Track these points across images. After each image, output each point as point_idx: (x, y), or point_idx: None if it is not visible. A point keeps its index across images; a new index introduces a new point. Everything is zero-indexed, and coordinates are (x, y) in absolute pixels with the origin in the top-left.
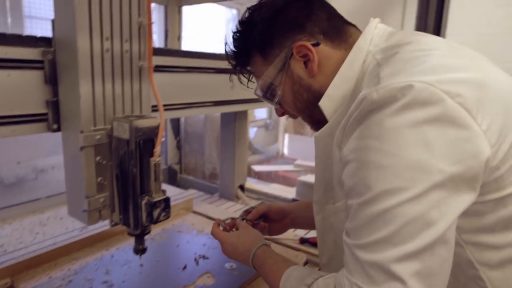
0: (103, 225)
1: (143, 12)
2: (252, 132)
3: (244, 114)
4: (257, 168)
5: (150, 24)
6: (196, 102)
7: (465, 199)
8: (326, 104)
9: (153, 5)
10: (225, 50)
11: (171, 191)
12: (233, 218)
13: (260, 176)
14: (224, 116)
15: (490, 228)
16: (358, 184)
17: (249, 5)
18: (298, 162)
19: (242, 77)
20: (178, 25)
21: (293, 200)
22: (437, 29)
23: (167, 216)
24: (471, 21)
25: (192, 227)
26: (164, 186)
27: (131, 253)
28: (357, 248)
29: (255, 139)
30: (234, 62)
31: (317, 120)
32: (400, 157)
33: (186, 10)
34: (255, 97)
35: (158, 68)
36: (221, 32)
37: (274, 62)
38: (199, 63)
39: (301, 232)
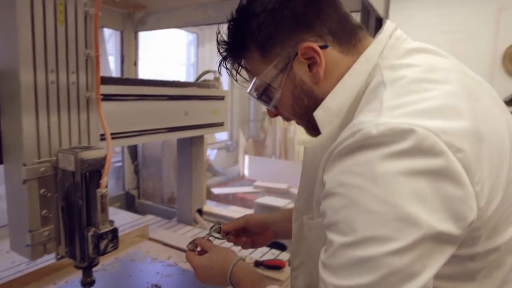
0: (51, 258)
1: (90, 44)
2: (212, 154)
3: (200, 138)
4: (216, 190)
5: (97, 56)
6: (149, 129)
7: (446, 254)
8: (321, 115)
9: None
10: (217, 39)
11: (127, 217)
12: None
13: (219, 198)
14: (180, 141)
15: (454, 277)
16: (343, 222)
17: (208, 30)
18: (257, 183)
19: (233, 70)
20: (134, 50)
21: None
22: None
23: (115, 247)
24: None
25: (147, 254)
26: (121, 212)
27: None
28: None
29: (216, 161)
30: (225, 54)
31: (314, 127)
32: (392, 206)
33: (148, 33)
34: (211, 121)
35: (109, 97)
36: (183, 54)
37: (274, 62)
38: (152, 90)
39: (256, 255)
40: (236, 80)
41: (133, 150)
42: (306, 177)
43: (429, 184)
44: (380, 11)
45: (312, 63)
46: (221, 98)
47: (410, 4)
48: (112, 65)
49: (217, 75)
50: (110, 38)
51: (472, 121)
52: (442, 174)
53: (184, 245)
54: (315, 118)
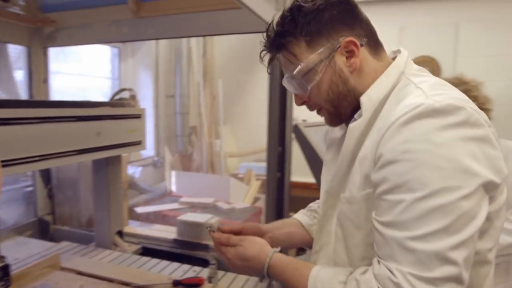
0: None
1: None
2: (138, 171)
3: (117, 158)
4: (139, 209)
5: None
6: (58, 152)
7: (488, 200)
8: (366, 101)
9: (16, 47)
10: (267, 31)
11: (39, 246)
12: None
13: (143, 217)
14: (95, 162)
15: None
16: (412, 181)
17: (130, 45)
18: (183, 199)
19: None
20: (44, 67)
21: (174, 240)
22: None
23: (6, 285)
24: None
25: (56, 286)
26: (32, 241)
27: None
28: (410, 239)
29: (142, 178)
30: (272, 43)
31: (338, 113)
32: (456, 162)
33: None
34: (128, 140)
35: (8, 121)
36: (107, 68)
37: (319, 50)
38: (58, 112)
39: (177, 274)
40: (268, 71)
41: (45, 174)
42: (345, 156)
43: (478, 147)
44: None
45: (349, 56)
46: (138, 116)
47: None
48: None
49: (133, 93)
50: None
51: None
52: (484, 140)
53: (99, 272)
54: (361, 102)
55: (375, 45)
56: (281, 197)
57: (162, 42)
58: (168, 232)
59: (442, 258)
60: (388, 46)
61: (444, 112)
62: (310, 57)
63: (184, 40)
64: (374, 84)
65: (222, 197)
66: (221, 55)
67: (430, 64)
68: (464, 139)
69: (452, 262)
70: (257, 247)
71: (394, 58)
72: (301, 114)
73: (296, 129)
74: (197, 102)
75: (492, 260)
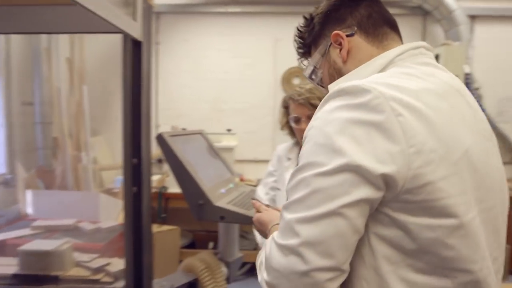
0: None
1: None
2: None
3: None
4: None
5: None
6: None
7: (366, 191)
8: (331, 89)
9: None
10: (294, 42)
11: None
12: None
13: None
14: None
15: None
16: (301, 155)
17: None
18: (37, 223)
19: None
20: None
21: (14, 276)
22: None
23: None
24: (214, 69)
25: None
26: None
27: None
28: (283, 207)
29: None
30: (301, 51)
31: None
32: (330, 140)
33: None
34: None
35: None
36: None
37: (318, 49)
38: None
39: None
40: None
41: None
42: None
43: (364, 131)
44: (135, 34)
45: (341, 48)
46: None
47: (204, 30)
48: None
49: None
50: None
51: (426, 108)
52: (376, 127)
53: None
54: (329, 90)
55: (373, 30)
56: (139, 214)
57: (15, 39)
58: (6, 266)
59: (290, 228)
60: (264, 56)
61: (347, 93)
62: (312, 56)
63: (44, 38)
64: (349, 73)
65: (90, 216)
66: (95, 59)
67: (301, 75)
68: (352, 121)
69: (295, 234)
70: (270, 216)
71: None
72: (182, 122)
73: (160, 139)
74: (59, 111)
75: None
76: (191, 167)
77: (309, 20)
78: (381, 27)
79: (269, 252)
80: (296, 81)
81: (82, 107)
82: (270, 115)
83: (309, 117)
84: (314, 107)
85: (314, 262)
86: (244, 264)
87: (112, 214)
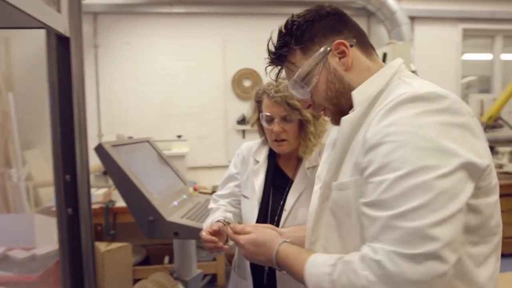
0: None
1: None
2: None
3: None
4: None
5: None
6: None
7: (472, 185)
8: (357, 95)
9: None
10: (267, 46)
11: None
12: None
13: None
14: None
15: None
16: (395, 161)
17: None
18: None
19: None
20: None
21: None
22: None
23: None
24: (161, 73)
25: None
26: None
27: None
28: (392, 218)
29: None
30: (273, 56)
31: (340, 110)
32: (435, 143)
33: None
34: None
35: None
36: None
37: (314, 55)
38: None
39: None
40: (276, 80)
41: None
42: (341, 147)
43: (458, 132)
44: (60, 28)
45: (342, 56)
46: None
47: (147, 32)
48: None
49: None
50: None
51: None
52: (465, 127)
53: None
54: (353, 96)
55: (365, 45)
56: (77, 238)
57: None
58: None
59: (423, 235)
60: (213, 58)
61: (427, 99)
62: (306, 62)
63: None
64: (366, 81)
65: (22, 242)
66: (24, 63)
67: (252, 76)
68: (444, 124)
69: (433, 239)
70: (268, 235)
71: None
72: (128, 130)
73: (100, 150)
74: None
75: (492, 264)
76: (137, 180)
77: (296, 26)
78: (367, 42)
79: (393, 269)
80: (246, 83)
81: (9, 117)
82: (222, 118)
83: (284, 119)
84: (292, 108)
85: (451, 260)
86: (204, 276)
87: (50, 237)
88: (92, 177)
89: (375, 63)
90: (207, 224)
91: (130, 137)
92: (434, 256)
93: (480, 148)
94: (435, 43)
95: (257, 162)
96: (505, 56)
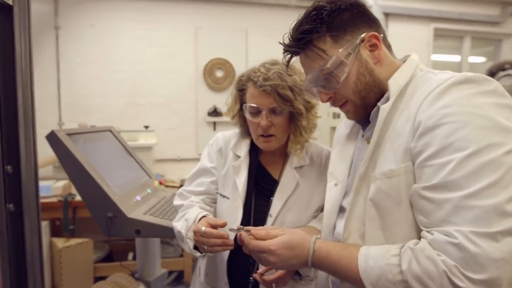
0: None
1: None
2: None
3: None
4: None
5: None
6: None
7: None
8: (393, 84)
9: None
10: (292, 28)
11: None
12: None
13: None
14: None
15: None
16: (458, 141)
17: None
18: None
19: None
20: None
21: None
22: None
23: None
24: (129, 59)
25: None
26: None
27: None
28: (465, 198)
29: None
30: (298, 41)
31: (364, 104)
32: (495, 121)
33: None
34: None
35: None
36: None
37: (346, 45)
38: None
39: None
40: (289, 73)
41: None
42: (374, 138)
43: (508, 112)
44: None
45: (372, 49)
46: None
47: (114, 15)
48: None
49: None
50: None
51: None
52: (511, 108)
53: None
54: (389, 85)
55: (386, 39)
56: (20, 239)
57: None
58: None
59: (500, 212)
60: (184, 46)
61: (476, 81)
62: (340, 51)
63: None
64: (397, 72)
65: None
66: None
67: (224, 67)
68: (496, 105)
69: (509, 215)
70: (299, 234)
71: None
72: (92, 119)
73: (52, 138)
74: None
75: None
76: (94, 172)
77: (327, 12)
78: (387, 38)
79: (474, 249)
80: (219, 73)
81: None
82: (192, 109)
83: (272, 111)
84: (283, 99)
85: None
86: (170, 273)
87: None
88: (50, 168)
89: (394, 57)
90: (189, 222)
91: (93, 126)
92: (510, 232)
93: None
94: (407, 41)
95: (238, 157)
96: (473, 59)
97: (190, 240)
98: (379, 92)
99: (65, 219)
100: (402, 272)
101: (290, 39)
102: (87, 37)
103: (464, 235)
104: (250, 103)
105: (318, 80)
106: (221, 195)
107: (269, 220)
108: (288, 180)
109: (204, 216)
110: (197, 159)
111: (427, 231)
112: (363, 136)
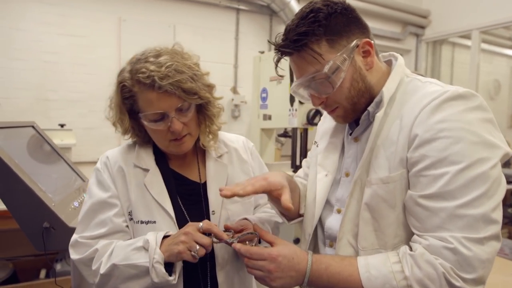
0: None
1: None
2: None
3: None
4: None
5: None
6: None
7: None
8: (386, 92)
9: None
10: (286, 29)
11: None
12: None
13: None
14: None
15: None
16: (453, 155)
17: None
18: None
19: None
20: None
21: None
22: None
23: None
24: (36, 47)
25: None
26: None
27: None
28: (459, 207)
29: None
30: (292, 42)
31: (354, 109)
32: (482, 137)
33: None
34: None
35: None
36: None
37: (341, 51)
38: None
39: None
40: (279, 74)
41: None
42: (369, 144)
43: (491, 127)
44: None
45: (365, 56)
46: None
47: None
48: None
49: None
50: None
51: None
52: (492, 122)
53: None
54: (383, 93)
55: (375, 48)
56: None
57: None
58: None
59: (487, 220)
60: (106, 38)
61: (466, 97)
62: (336, 56)
63: None
64: (389, 79)
65: None
66: None
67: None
68: (482, 120)
69: (494, 222)
70: (292, 245)
71: (386, 61)
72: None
73: None
74: None
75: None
76: (25, 175)
77: (323, 14)
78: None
79: (467, 253)
80: None
81: None
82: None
83: (180, 110)
84: (188, 93)
85: (501, 237)
86: None
87: None
88: None
89: (382, 63)
90: (151, 245)
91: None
92: (496, 236)
93: (503, 139)
94: None
95: (146, 171)
96: None
97: (159, 263)
98: (369, 97)
99: None
100: (406, 278)
101: (285, 39)
102: None
103: (458, 240)
104: (150, 111)
105: (312, 84)
106: (141, 222)
107: (214, 218)
108: (216, 173)
109: (166, 236)
110: None
111: (420, 235)
112: (350, 134)
